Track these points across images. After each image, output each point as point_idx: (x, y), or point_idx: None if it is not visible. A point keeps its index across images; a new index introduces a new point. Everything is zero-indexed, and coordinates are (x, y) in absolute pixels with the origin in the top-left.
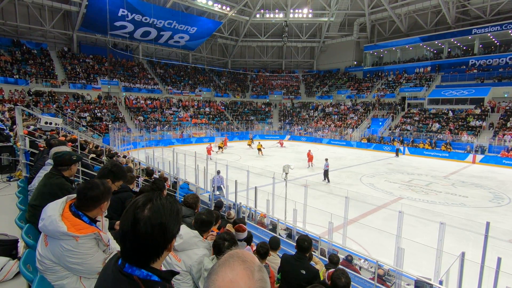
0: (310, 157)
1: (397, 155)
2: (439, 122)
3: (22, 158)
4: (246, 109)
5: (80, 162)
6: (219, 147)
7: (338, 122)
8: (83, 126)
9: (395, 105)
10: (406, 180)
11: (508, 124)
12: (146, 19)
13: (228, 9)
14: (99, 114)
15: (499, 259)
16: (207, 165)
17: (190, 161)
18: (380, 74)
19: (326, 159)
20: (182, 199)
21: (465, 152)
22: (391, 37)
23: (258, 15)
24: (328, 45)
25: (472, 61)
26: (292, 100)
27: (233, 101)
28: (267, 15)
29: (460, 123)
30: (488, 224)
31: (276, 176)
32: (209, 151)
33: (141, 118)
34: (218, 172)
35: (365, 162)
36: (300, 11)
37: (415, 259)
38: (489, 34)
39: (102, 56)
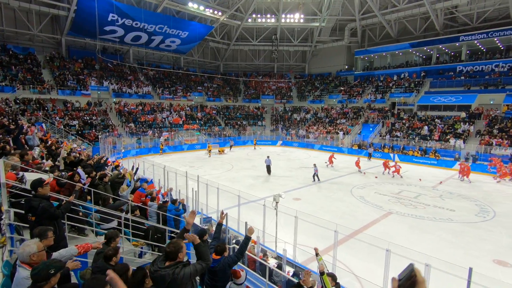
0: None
1: (369, 159)
2: (428, 127)
3: (6, 231)
4: (238, 114)
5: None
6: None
7: (329, 127)
8: (72, 135)
9: (385, 111)
10: (396, 192)
11: (495, 132)
12: (136, 24)
13: (219, 14)
14: (89, 121)
15: None
16: (198, 187)
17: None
18: (370, 78)
19: (314, 164)
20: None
21: (453, 159)
22: (381, 42)
23: (250, 20)
24: (319, 49)
25: (459, 68)
26: (284, 104)
27: (225, 105)
28: (259, 20)
29: (447, 130)
30: (470, 270)
31: (266, 203)
32: (330, 158)
33: (132, 125)
34: (268, 157)
35: (356, 171)
36: (291, 16)
37: None
38: (476, 41)
39: (92, 58)
